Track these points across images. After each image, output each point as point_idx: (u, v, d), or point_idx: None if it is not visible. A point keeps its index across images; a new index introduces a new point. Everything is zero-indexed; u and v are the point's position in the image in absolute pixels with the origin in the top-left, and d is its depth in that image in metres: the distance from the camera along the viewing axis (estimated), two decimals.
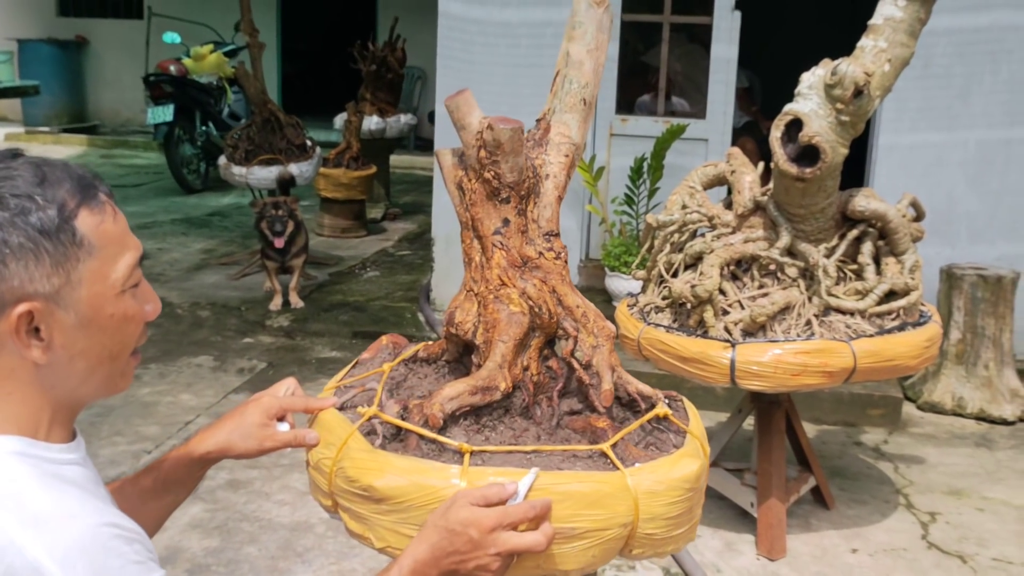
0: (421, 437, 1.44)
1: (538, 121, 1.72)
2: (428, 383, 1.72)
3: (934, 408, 4.57)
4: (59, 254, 1.13)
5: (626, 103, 5.54)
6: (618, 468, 1.41)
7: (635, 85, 5.79)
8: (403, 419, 1.49)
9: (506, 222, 1.63)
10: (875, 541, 3.42)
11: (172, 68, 9.53)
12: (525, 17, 5.24)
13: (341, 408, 1.59)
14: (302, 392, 1.62)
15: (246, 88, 6.38)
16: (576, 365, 1.63)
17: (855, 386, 4.43)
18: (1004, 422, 4.45)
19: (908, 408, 4.58)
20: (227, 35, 10.38)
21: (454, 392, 1.52)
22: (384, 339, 1.84)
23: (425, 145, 12.15)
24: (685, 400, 1.70)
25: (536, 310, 1.62)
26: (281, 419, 1.55)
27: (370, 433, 1.48)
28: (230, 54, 9.94)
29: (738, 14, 5.06)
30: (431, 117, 11.73)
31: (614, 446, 1.45)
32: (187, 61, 9.58)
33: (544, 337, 1.66)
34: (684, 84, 5.90)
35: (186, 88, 9.26)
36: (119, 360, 1.23)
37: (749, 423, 3.89)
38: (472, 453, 1.41)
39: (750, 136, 6.50)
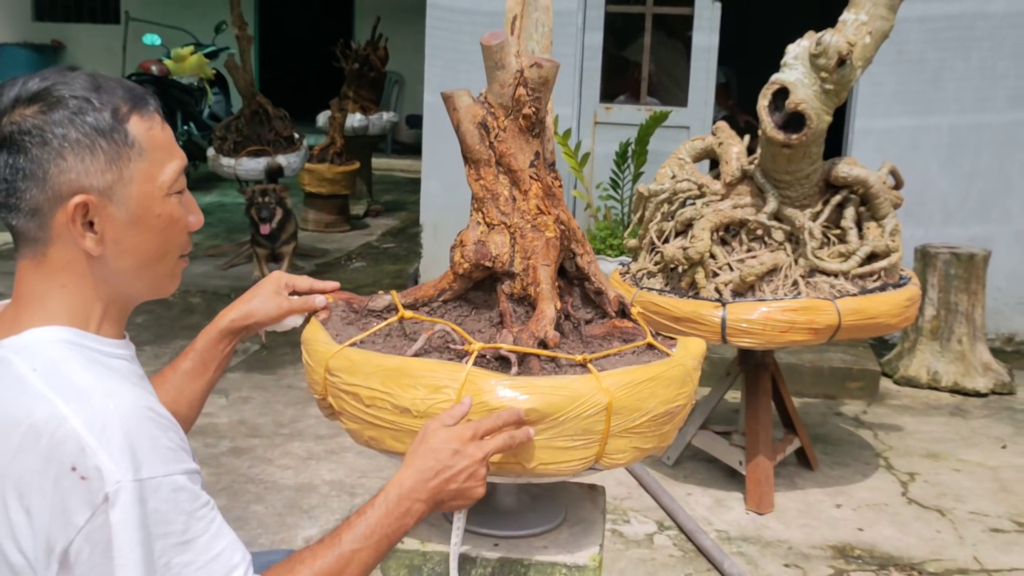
0: (539, 358, 1.55)
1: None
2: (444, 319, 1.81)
3: (910, 382, 4.74)
4: (113, 152, 1.22)
5: (608, 93, 5.69)
6: (669, 354, 1.55)
7: (614, 82, 5.95)
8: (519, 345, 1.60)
9: (537, 155, 1.75)
10: (858, 498, 3.56)
11: (154, 68, 9.61)
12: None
13: (416, 354, 1.62)
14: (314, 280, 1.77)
15: (236, 80, 6.48)
16: (594, 278, 1.76)
17: (834, 359, 4.60)
18: (977, 394, 4.62)
19: (885, 383, 4.75)
20: (204, 38, 10.46)
21: (552, 313, 1.65)
22: (329, 298, 1.78)
23: (402, 148, 12.28)
24: None
25: (567, 233, 1.74)
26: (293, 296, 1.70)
27: (491, 364, 1.57)
28: (210, 56, 10.02)
29: (718, 5, 5.23)
30: (409, 121, 11.95)
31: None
32: (168, 62, 9.65)
33: (562, 258, 1.79)
34: (662, 80, 6.07)
35: (167, 88, 9.33)
36: (166, 260, 1.32)
37: (732, 396, 4.03)
38: (591, 362, 1.55)
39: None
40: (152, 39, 9.83)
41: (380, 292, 1.83)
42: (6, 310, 1.28)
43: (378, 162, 10.13)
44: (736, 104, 7.31)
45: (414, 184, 10.20)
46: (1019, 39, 4.97)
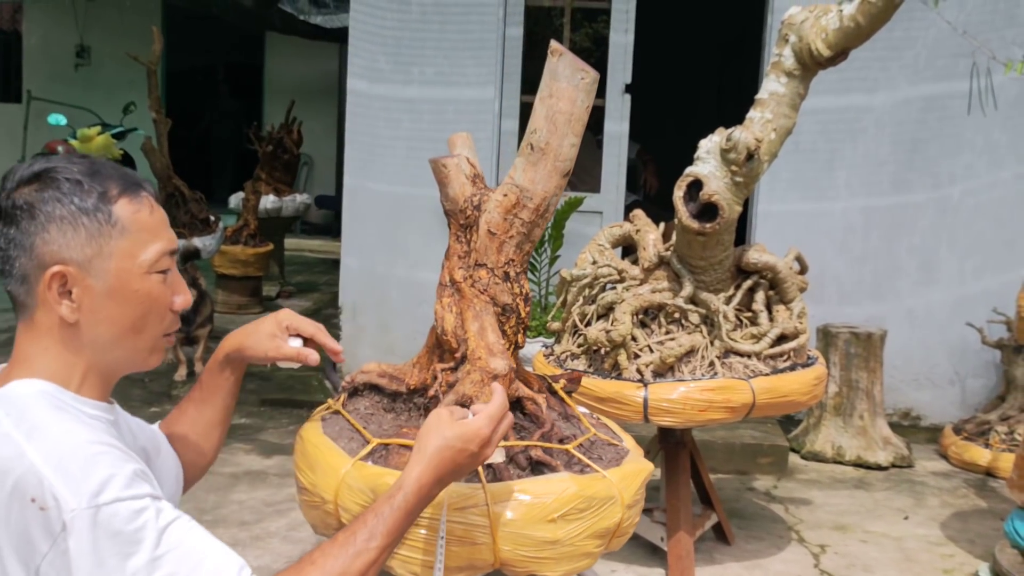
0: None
1: None
2: None
3: (816, 457, 4.95)
4: (94, 229, 1.33)
5: None
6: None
7: None
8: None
9: (448, 247, 1.84)
10: (773, 570, 3.69)
11: (60, 149, 9.46)
12: (427, 95, 5.57)
13: None
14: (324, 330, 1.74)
15: (152, 163, 6.48)
16: (439, 388, 1.81)
17: (745, 436, 4.77)
18: (879, 467, 4.85)
19: (793, 458, 4.94)
20: (109, 118, 10.38)
21: (366, 369, 1.81)
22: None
23: (311, 229, 12.30)
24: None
25: (434, 325, 1.81)
26: (296, 337, 1.66)
27: None
28: (118, 136, 9.94)
29: (628, 96, 5.49)
30: (318, 201, 12.00)
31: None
32: (75, 142, 9.53)
33: (450, 354, 1.83)
34: (573, 167, 6.29)
35: None
36: (145, 335, 1.40)
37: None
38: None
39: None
40: (57, 119, 9.70)
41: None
42: (3, 370, 1.39)
43: (288, 242, 10.14)
44: (651, 160, 7.51)
45: (325, 265, 10.24)
46: (897, 128, 5.37)
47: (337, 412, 1.78)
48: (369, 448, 1.65)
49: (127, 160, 10.01)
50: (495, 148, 5.63)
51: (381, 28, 5.63)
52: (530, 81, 5.84)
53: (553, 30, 7.07)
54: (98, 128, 9.87)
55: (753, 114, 3.34)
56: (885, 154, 5.37)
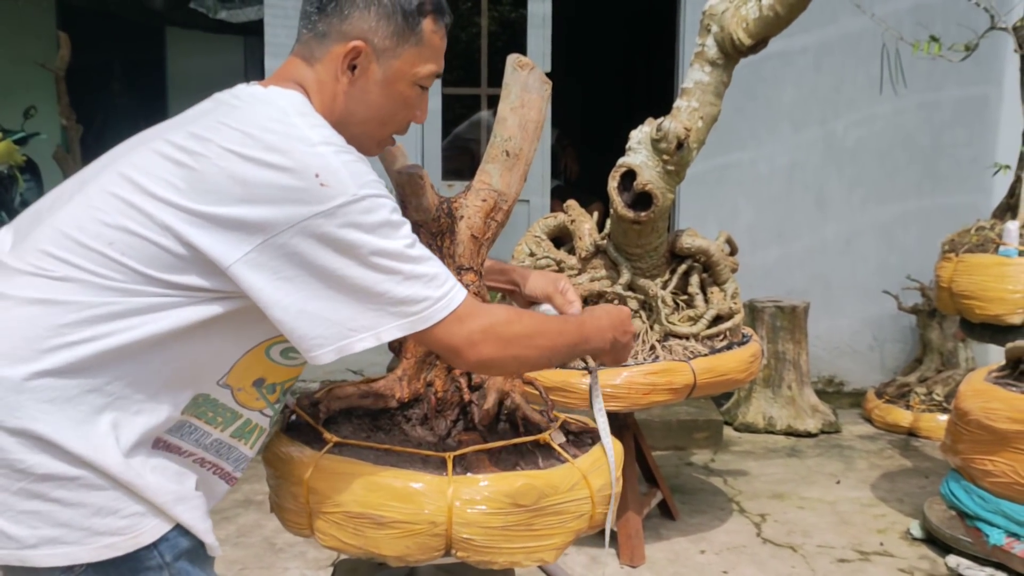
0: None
1: None
2: None
3: (749, 428, 5.11)
4: (401, 29, 1.56)
5: (450, 171, 5.91)
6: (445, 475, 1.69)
7: (452, 159, 6.18)
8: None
9: None
10: (718, 542, 3.82)
11: None
12: None
13: None
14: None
15: (65, 170, 6.31)
16: (462, 384, 1.88)
17: (681, 412, 4.91)
18: (808, 434, 5.04)
19: (727, 430, 5.10)
20: (7, 123, 10.05)
21: (342, 393, 1.83)
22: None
23: None
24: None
25: None
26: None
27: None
28: (20, 142, 9.64)
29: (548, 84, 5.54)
30: None
31: (462, 457, 1.73)
32: None
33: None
34: None
35: None
36: (385, 129, 1.63)
37: None
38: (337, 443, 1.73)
39: (559, 199, 6.99)
40: None
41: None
42: (266, 80, 1.58)
43: None
44: (570, 145, 7.62)
45: None
46: (795, 72, 5.64)
47: (342, 444, 1.74)
48: (451, 465, 1.68)
49: (31, 166, 9.70)
50: (420, 141, 5.64)
51: (293, 16, 5.60)
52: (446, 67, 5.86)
53: (460, 15, 7.09)
54: None
55: (680, 103, 3.43)
56: (783, 99, 5.65)
